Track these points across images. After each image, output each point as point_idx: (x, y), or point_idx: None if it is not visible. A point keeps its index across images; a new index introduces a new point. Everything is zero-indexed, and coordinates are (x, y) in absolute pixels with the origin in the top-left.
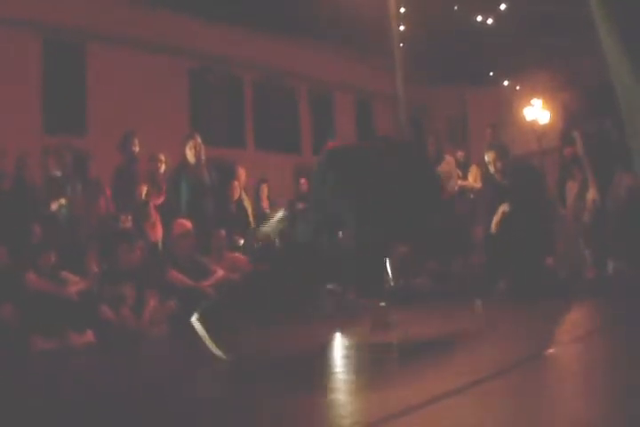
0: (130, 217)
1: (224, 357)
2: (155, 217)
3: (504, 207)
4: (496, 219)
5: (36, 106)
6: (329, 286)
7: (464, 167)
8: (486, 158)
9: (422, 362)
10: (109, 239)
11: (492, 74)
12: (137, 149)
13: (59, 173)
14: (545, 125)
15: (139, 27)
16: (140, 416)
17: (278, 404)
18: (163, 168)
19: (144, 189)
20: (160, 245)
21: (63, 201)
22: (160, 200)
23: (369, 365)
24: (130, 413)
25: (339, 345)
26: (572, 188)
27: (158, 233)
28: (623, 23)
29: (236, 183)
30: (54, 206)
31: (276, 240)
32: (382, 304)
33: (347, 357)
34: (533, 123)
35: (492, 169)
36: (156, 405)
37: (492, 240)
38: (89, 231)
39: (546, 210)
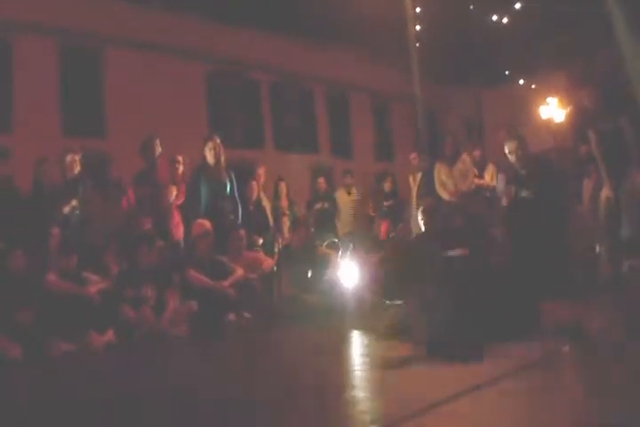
0: (149, 219)
1: None
2: (177, 217)
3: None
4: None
5: (55, 109)
6: None
7: (481, 166)
8: (507, 149)
9: (440, 361)
10: (129, 241)
11: (507, 73)
12: (158, 151)
13: (73, 175)
14: (560, 124)
15: (156, 31)
16: (163, 416)
17: (300, 401)
18: (181, 169)
19: (173, 190)
20: (182, 244)
21: (75, 203)
22: (180, 201)
23: (389, 363)
24: (151, 413)
25: (359, 343)
26: (587, 185)
27: (181, 232)
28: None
29: (254, 183)
30: (67, 208)
31: None
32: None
33: (367, 355)
34: (549, 121)
35: (512, 159)
36: (177, 404)
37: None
38: (109, 232)
39: (563, 203)
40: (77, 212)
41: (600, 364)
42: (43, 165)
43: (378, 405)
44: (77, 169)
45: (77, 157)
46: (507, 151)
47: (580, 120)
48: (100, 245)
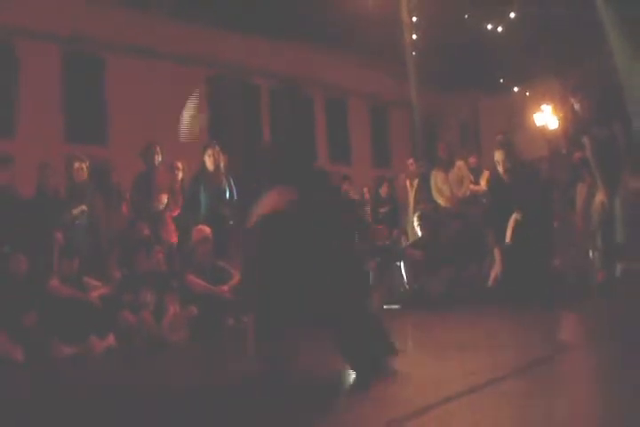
0: (146, 224)
1: None
2: (170, 226)
3: (516, 216)
4: (510, 229)
5: (58, 115)
6: None
7: (476, 173)
8: (495, 157)
9: (437, 363)
10: (128, 246)
11: (502, 81)
12: (159, 157)
13: (79, 181)
14: (554, 130)
15: (156, 37)
16: (162, 420)
17: (292, 407)
18: (180, 176)
19: (164, 198)
20: (176, 251)
21: (84, 207)
22: (176, 212)
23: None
24: (150, 417)
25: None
26: (581, 190)
27: (174, 240)
28: (631, 26)
29: None
30: (75, 213)
31: None
32: (396, 307)
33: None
34: (543, 128)
35: (500, 169)
36: (176, 408)
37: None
38: (110, 238)
39: (549, 211)
40: (85, 216)
41: (600, 366)
42: (46, 169)
43: (371, 407)
44: (85, 176)
45: (85, 165)
46: (495, 159)
47: (575, 127)
48: (103, 250)
